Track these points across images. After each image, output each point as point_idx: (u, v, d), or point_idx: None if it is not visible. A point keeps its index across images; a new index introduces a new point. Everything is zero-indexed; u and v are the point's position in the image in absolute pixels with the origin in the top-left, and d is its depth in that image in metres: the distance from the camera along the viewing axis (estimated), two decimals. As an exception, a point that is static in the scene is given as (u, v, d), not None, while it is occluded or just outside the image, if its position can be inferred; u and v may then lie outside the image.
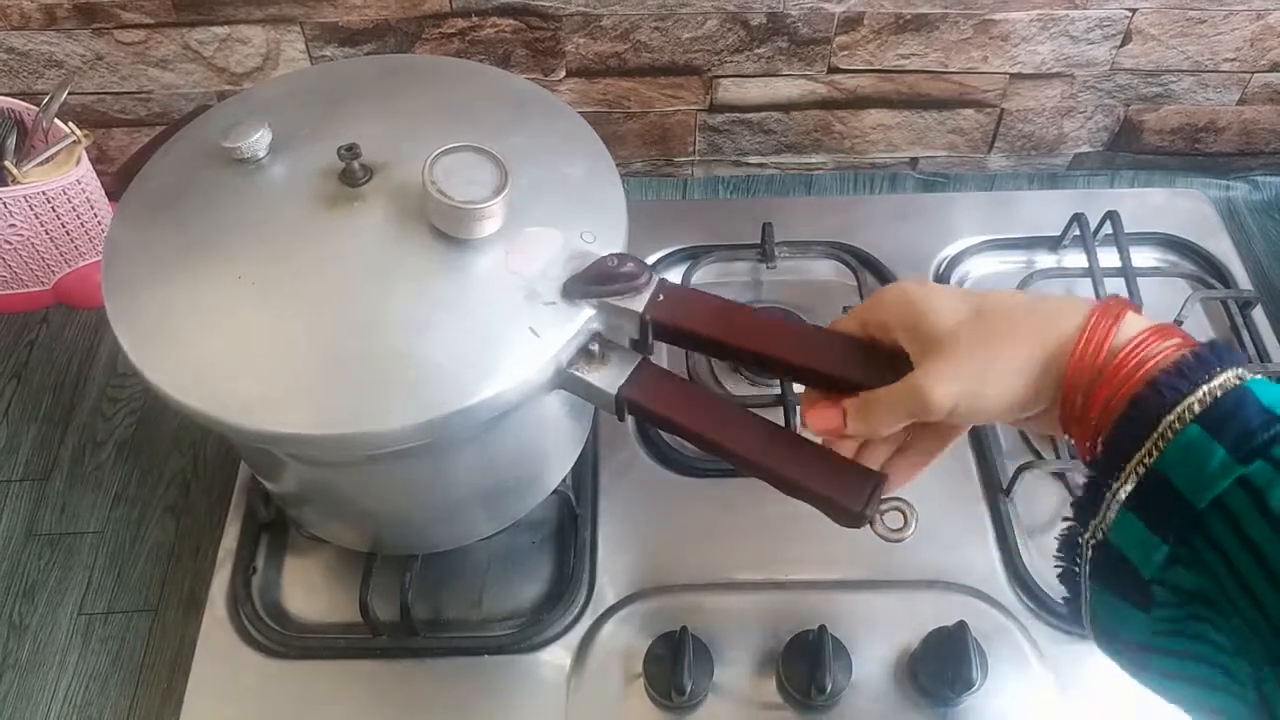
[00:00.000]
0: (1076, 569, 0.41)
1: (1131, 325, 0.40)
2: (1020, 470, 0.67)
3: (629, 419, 0.57)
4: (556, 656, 0.62)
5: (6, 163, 0.77)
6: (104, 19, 0.81)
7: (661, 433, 0.72)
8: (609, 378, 0.50)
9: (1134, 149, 0.95)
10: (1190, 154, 0.95)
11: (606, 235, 0.52)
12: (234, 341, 0.48)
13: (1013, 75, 0.87)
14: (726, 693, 0.60)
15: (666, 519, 0.68)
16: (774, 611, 0.63)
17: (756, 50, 0.85)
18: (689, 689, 0.58)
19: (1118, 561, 0.39)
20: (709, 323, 0.51)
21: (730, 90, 0.88)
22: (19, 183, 0.75)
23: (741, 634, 0.62)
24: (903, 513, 0.47)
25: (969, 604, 0.63)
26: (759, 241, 0.81)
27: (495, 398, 0.47)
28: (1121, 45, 0.85)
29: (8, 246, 0.78)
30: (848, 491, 0.47)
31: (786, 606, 0.63)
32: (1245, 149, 0.94)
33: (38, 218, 0.77)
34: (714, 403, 0.52)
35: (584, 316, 0.50)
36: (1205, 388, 0.37)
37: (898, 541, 0.47)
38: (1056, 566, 0.43)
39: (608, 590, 0.65)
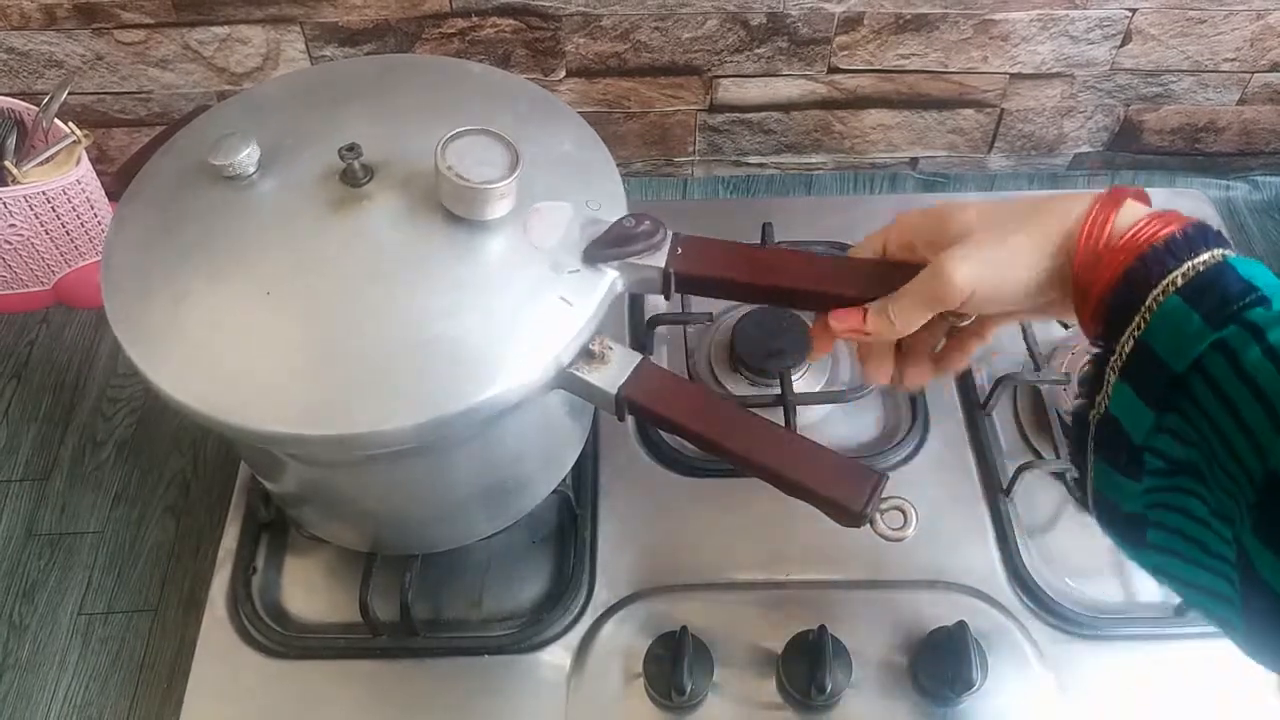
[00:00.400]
0: (1084, 446, 0.43)
1: (1131, 212, 0.42)
2: (1020, 470, 0.67)
3: (629, 419, 0.57)
4: (556, 656, 0.62)
5: (6, 163, 0.77)
6: (104, 19, 0.81)
7: (661, 433, 0.72)
8: (609, 378, 0.50)
9: (1134, 149, 0.95)
10: (1190, 154, 0.95)
11: (609, 201, 0.53)
12: (235, 341, 0.48)
13: (1013, 75, 0.87)
14: (726, 693, 0.60)
15: (666, 519, 0.68)
16: (774, 611, 0.63)
17: (756, 50, 0.85)
18: (689, 689, 0.58)
19: (1116, 431, 0.41)
20: (729, 266, 0.52)
21: (730, 90, 0.88)
22: (19, 183, 0.75)
23: (741, 634, 0.62)
24: (903, 512, 0.47)
25: (969, 604, 0.63)
26: (759, 241, 0.81)
27: (496, 397, 0.47)
28: (1121, 45, 0.85)
29: (8, 246, 0.78)
30: (848, 491, 0.47)
31: (786, 606, 0.63)
32: (1245, 149, 0.94)
33: (38, 218, 0.77)
34: (714, 403, 0.52)
35: (609, 279, 0.51)
36: (1189, 263, 0.39)
37: (898, 541, 0.47)
38: (1069, 447, 0.45)
39: (608, 590, 0.65)
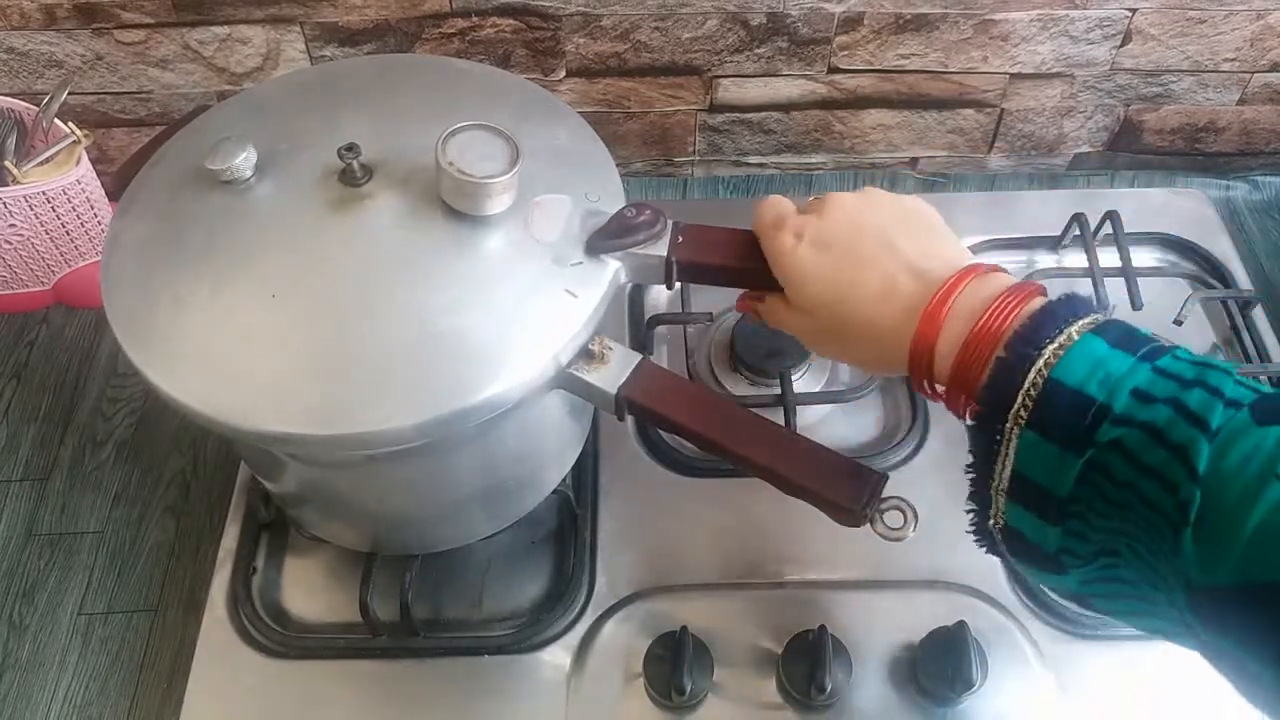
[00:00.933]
0: (998, 551, 0.44)
1: (948, 339, 0.42)
2: (1020, 470, 0.67)
3: (629, 419, 0.57)
4: (556, 656, 0.62)
5: (6, 163, 0.77)
6: (104, 19, 0.81)
7: (661, 433, 0.72)
8: (609, 378, 0.50)
9: (1134, 149, 0.95)
10: (1190, 154, 0.95)
11: (607, 192, 0.54)
12: (236, 342, 0.48)
13: (1013, 75, 0.87)
14: (726, 693, 0.60)
15: (666, 519, 0.68)
16: (774, 611, 0.63)
17: (756, 50, 0.85)
18: (689, 689, 0.58)
19: (1022, 540, 0.41)
20: (730, 252, 0.53)
21: (730, 90, 0.88)
22: (19, 183, 0.75)
23: (741, 634, 0.62)
24: (902, 512, 0.47)
25: (969, 604, 0.63)
26: (759, 241, 0.81)
27: (502, 393, 0.47)
28: (1121, 45, 0.85)
29: (8, 246, 0.78)
30: (848, 491, 0.47)
31: (786, 606, 0.63)
32: (1245, 149, 0.94)
33: (38, 218, 0.77)
34: (714, 403, 0.52)
35: (612, 270, 0.51)
36: (1021, 393, 0.39)
37: (898, 541, 0.47)
38: (981, 548, 0.45)
39: (608, 590, 0.65)
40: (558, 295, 0.49)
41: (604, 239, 0.51)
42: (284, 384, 0.47)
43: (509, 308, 0.49)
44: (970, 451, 0.42)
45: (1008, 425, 0.39)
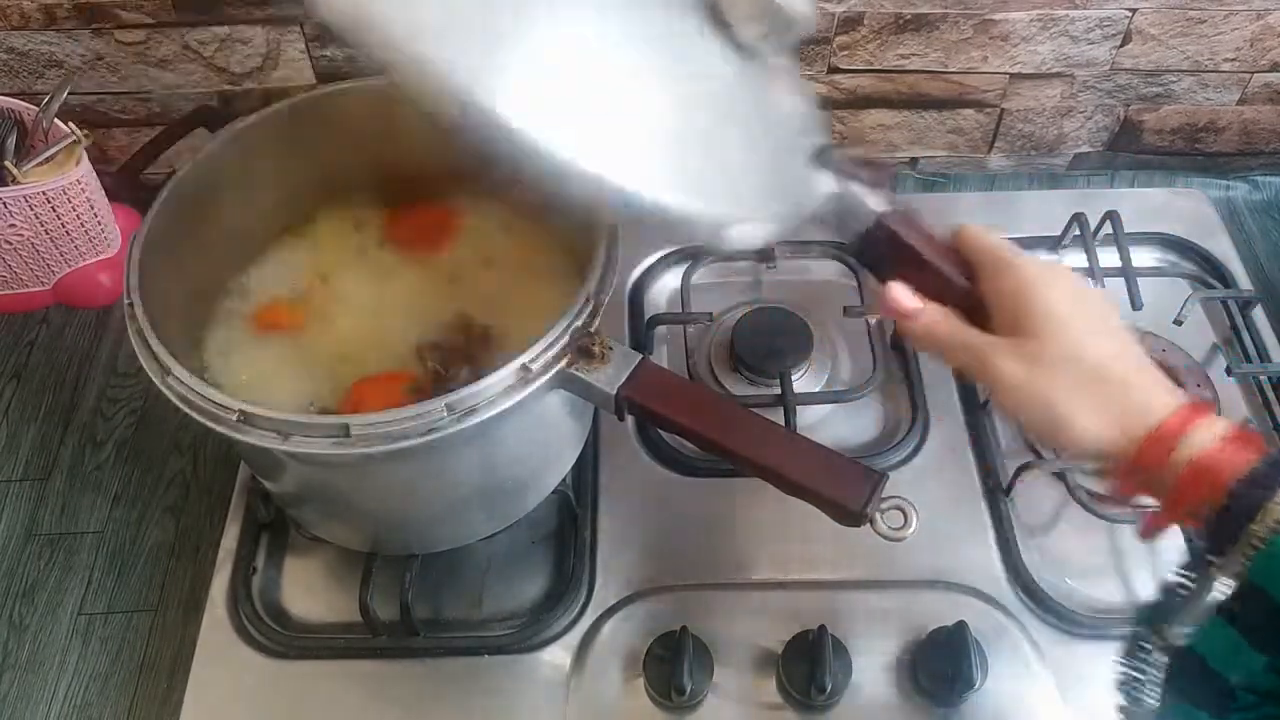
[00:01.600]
0: (1142, 676, 0.41)
1: (1206, 430, 0.40)
2: (1020, 470, 0.67)
3: (629, 419, 0.57)
4: (556, 656, 0.62)
5: (6, 163, 0.77)
6: (104, 19, 0.81)
7: (661, 433, 0.72)
8: (609, 378, 0.50)
9: (1134, 149, 0.95)
10: (1190, 154, 0.95)
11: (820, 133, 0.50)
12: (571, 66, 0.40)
13: (1013, 75, 0.87)
14: (726, 693, 0.60)
15: (666, 519, 0.68)
16: (774, 611, 0.63)
17: (756, 50, 0.85)
18: (689, 689, 0.58)
19: (1200, 669, 0.38)
20: (927, 243, 0.48)
21: (730, 90, 0.88)
22: (19, 183, 0.75)
23: (741, 634, 0.62)
24: (903, 512, 0.47)
25: (969, 604, 0.63)
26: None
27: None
28: (1121, 45, 0.85)
29: (8, 246, 0.78)
30: (848, 491, 0.47)
31: (786, 606, 0.63)
32: (1245, 149, 0.94)
33: (38, 218, 0.77)
34: (714, 402, 0.52)
35: (825, 190, 0.47)
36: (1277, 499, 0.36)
37: (898, 541, 0.47)
38: (1120, 674, 0.42)
39: (608, 590, 0.65)
40: (794, 160, 0.46)
41: (831, 157, 0.47)
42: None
43: (772, 141, 0.46)
44: (1190, 548, 0.41)
45: (1255, 526, 0.37)
